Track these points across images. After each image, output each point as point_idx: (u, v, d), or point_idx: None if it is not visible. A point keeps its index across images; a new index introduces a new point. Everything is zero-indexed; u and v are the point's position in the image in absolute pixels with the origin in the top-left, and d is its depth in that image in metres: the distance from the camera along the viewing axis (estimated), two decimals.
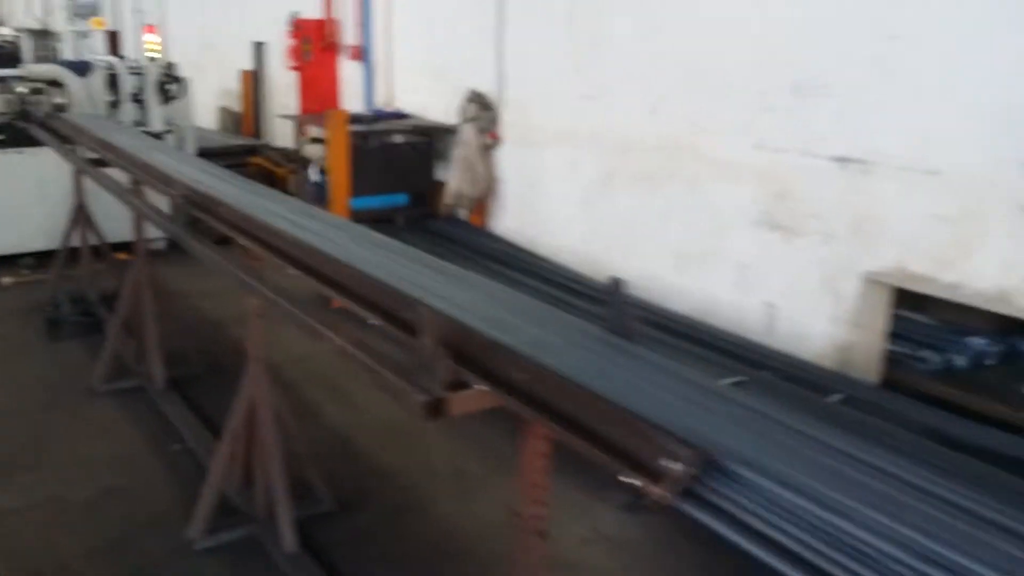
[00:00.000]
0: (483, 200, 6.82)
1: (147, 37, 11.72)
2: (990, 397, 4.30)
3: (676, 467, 1.41)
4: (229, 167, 4.39)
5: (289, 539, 3.46)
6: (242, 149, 10.29)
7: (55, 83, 7.05)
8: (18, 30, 12.80)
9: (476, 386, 1.77)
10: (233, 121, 12.16)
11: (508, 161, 6.68)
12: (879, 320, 4.48)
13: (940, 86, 3.96)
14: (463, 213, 6.94)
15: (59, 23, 11.82)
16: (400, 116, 7.58)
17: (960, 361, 4.63)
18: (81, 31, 10.57)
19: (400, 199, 7.15)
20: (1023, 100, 3.67)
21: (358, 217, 6.21)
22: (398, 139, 7.04)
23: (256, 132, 11.27)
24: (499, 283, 2.27)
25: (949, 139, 3.93)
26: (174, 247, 7.15)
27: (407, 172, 7.07)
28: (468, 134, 6.55)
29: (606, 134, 5.78)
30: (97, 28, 11.02)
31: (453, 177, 6.67)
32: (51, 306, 5.99)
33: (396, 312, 1.97)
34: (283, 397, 3.75)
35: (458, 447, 4.38)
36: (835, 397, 4.03)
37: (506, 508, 2.05)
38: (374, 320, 2.15)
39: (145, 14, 14.15)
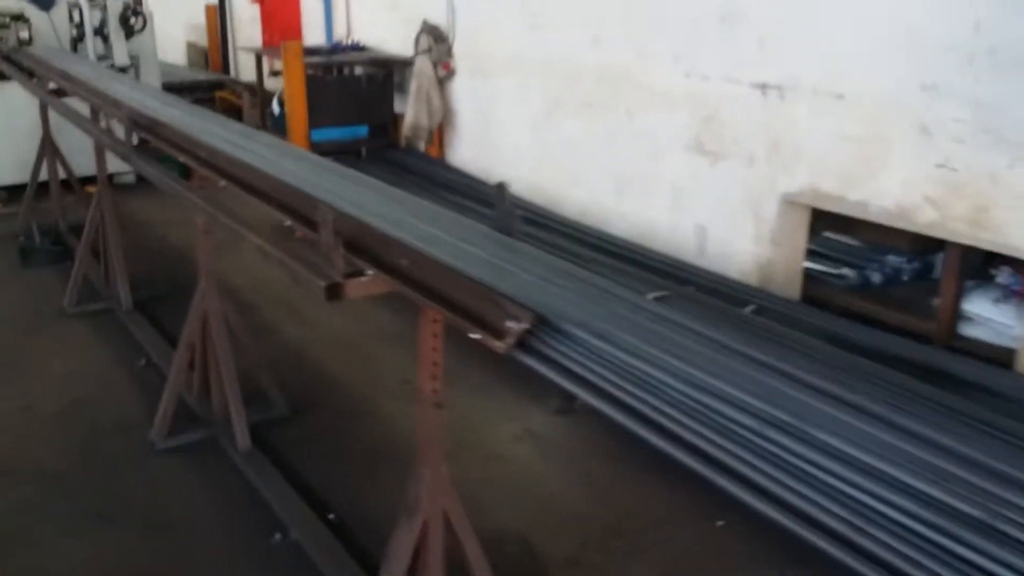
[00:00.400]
0: (440, 131, 7.05)
1: None
2: (901, 310, 4.65)
3: (515, 325, 1.71)
4: (196, 102, 4.60)
5: (243, 439, 3.79)
6: (208, 84, 10.43)
7: (20, 17, 7.17)
8: None
9: (369, 272, 2.07)
10: (200, 56, 12.23)
11: (462, 92, 6.90)
12: (798, 239, 4.79)
13: (850, 14, 4.20)
14: (421, 144, 7.17)
15: None
16: (358, 49, 7.75)
17: (876, 278, 4.96)
18: None
19: (360, 131, 7.37)
20: (923, 24, 3.93)
21: (318, 149, 6.46)
22: (357, 71, 7.21)
23: (223, 67, 11.36)
24: (405, 190, 2.56)
25: (857, 64, 4.19)
26: (142, 180, 7.39)
27: (366, 104, 7.27)
28: (423, 66, 6.74)
29: (553, 64, 6.01)
30: None
31: (410, 109, 6.88)
32: (23, 236, 6.24)
33: (305, 212, 2.26)
34: (242, 315, 4.05)
35: (404, 359, 4.69)
36: (748, 308, 4.36)
37: (403, 380, 2.35)
38: (300, 229, 2.43)
39: None
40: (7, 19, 7.10)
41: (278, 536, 3.26)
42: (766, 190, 4.71)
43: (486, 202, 6.30)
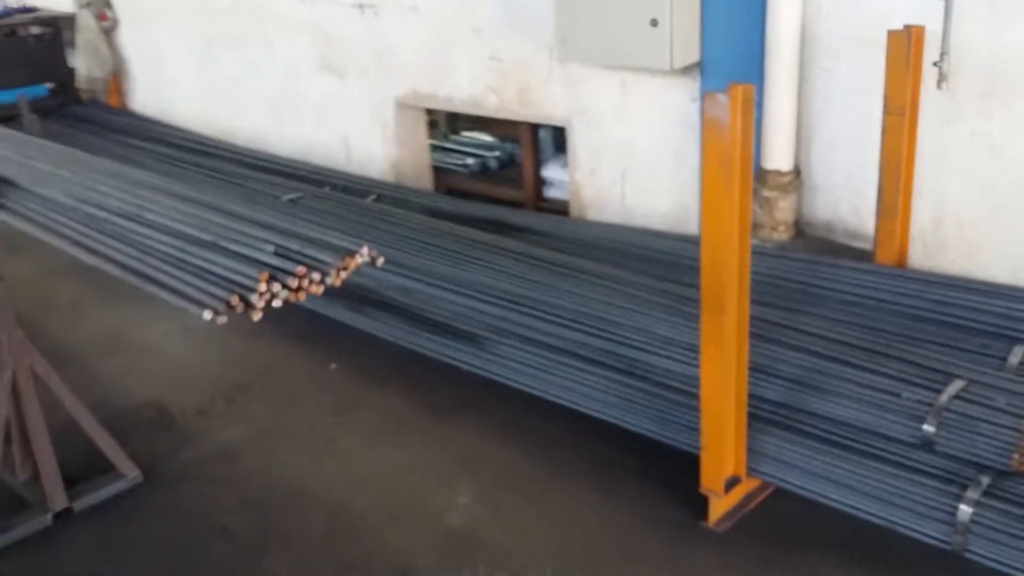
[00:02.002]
0: (117, 81, 7.33)
1: None
2: (507, 186, 5.60)
3: None
4: None
5: None
6: None
7: None
8: None
9: None
10: None
11: (128, 40, 7.22)
12: (419, 136, 5.62)
13: None
14: (101, 95, 7.41)
15: None
16: (29, 11, 7.80)
17: (493, 164, 5.90)
18: None
19: (40, 91, 7.48)
20: None
21: None
22: (21, 32, 7.32)
23: None
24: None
25: None
26: None
27: (40, 64, 7.39)
28: (85, 19, 6.98)
29: (198, 4, 6.46)
30: None
31: (80, 62, 7.11)
32: None
33: None
34: None
35: (78, 287, 5.14)
36: (370, 198, 5.12)
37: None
38: None
39: None
40: None
41: None
42: (383, 97, 5.47)
43: (163, 142, 6.73)
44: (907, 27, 3.14)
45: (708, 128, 2.51)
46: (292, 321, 4.45)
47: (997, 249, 3.31)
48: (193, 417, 3.83)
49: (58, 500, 3.20)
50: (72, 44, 7.45)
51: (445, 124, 6.35)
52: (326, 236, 2.61)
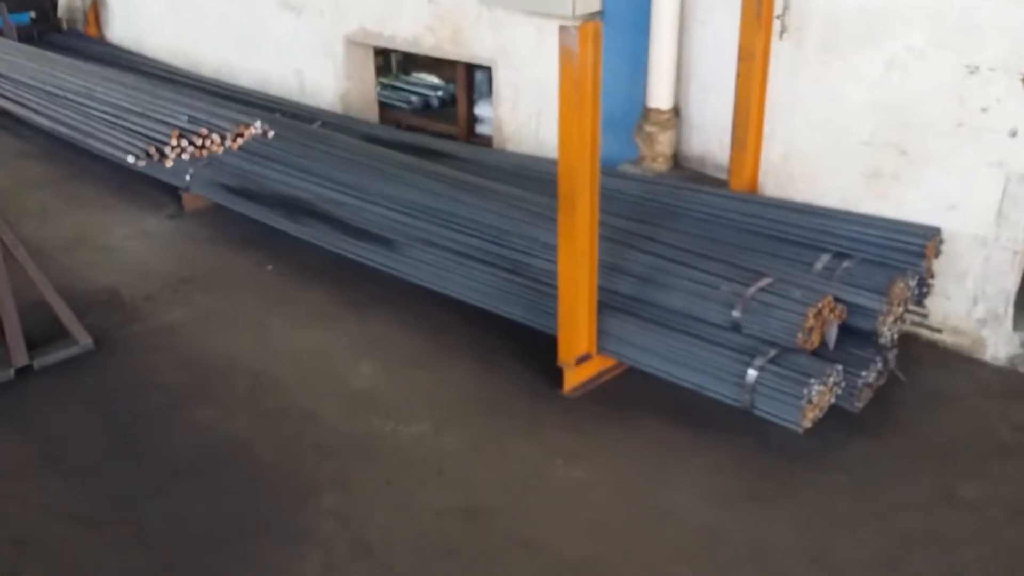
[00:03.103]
0: (95, 12, 7.78)
1: None
2: (445, 123, 6.14)
3: None
4: None
5: None
6: None
7: None
8: None
9: None
10: None
11: None
12: (367, 72, 6.14)
13: None
14: (79, 26, 7.86)
15: None
16: None
17: (435, 102, 6.44)
18: None
19: (22, 18, 7.91)
20: None
21: None
22: None
23: None
24: None
25: None
26: None
27: None
28: None
29: None
30: None
31: None
32: None
33: None
34: None
35: (48, 196, 5.67)
36: (315, 124, 5.65)
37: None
38: None
39: None
40: None
41: None
42: (334, 35, 5.98)
43: (135, 71, 7.20)
44: None
45: (563, 56, 3.06)
46: (237, 229, 5.05)
47: (831, 180, 3.89)
48: (142, 301, 4.39)
49: (19, 358, 3.76)
50: None
51: (397, 65, 6.88)
52: (229, 112, 3.13)
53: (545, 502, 3.01)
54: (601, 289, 3.51)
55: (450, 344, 3.92)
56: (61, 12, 7.64)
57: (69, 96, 3.04)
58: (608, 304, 3.55)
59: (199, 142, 2.61)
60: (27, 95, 3.29)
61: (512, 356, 3.78)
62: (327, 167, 4.89)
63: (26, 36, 7.59)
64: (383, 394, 3.61)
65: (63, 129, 2.86)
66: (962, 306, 3.71)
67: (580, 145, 3.16)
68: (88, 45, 7.72)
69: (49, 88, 3.15)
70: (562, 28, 3.05)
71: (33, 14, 7.95)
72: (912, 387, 3.53)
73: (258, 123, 2.79)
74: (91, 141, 2.71)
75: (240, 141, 2.70)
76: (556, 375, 3.56)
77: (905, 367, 3.55)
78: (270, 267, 4.71)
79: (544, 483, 3.10)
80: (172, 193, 5.46)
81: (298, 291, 4.48)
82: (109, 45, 7.77)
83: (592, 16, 4.44)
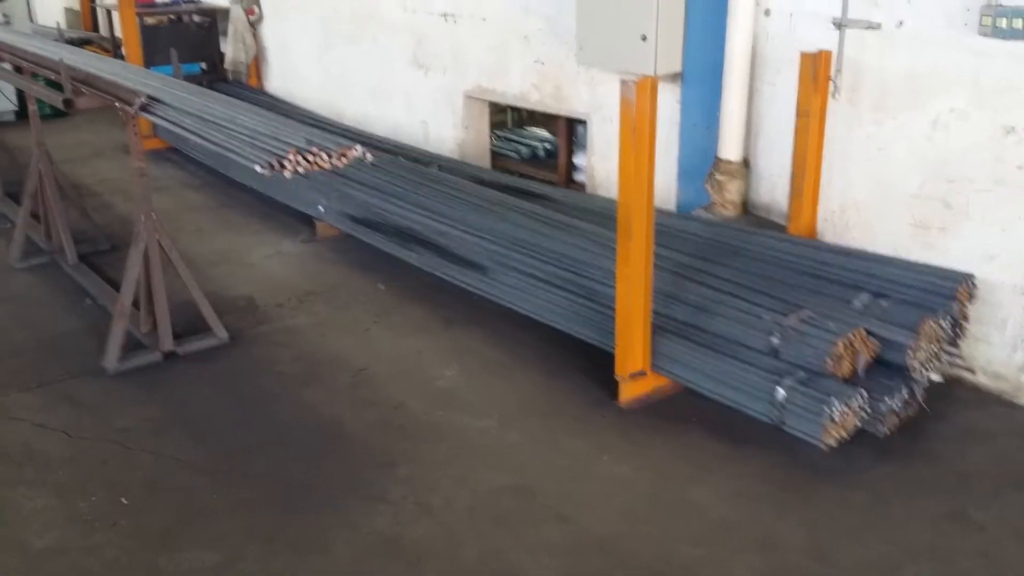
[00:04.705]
0: (256, 65, 8.87)
1: None
2: (547, 170, 6.74)
3: (138, 100, 3.65)
4: None
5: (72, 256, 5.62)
6: (79, 40, 11.92)
7: None
8: None
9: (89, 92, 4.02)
10: (76, 19, 13.70)
11: (269, 32, 8.76)
12: (482, 123, 6.83)
13: None
14: (243, 77, 8.97)
15: None
16: (191, 1, 9.49)
17: (541, 153, 7.07)
18: None
19: (194, 68, 9.11)
20: None
21: None
22: (185, 19, 8.97)
23: (93, 25, 12.89)
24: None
25: None
26: (20, 115, 9.07)
27: (196, 46, 9.01)
28: (236, 12, 8.55)
29: (323, 4, 7.90)
30: None
31: (229, 48, 8.69)
32: None
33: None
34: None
35: (204, 219, 6.59)
36: (432, 166, 6.35)
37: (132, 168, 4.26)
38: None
39: None
40: None
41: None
42: (455, 90, 6.71)
43: (287, 118, 8.17)
44: (818, 52, 4.13)
45: (623, 105, 3.58)
46: (358, 254, 5.77)
47: (882, 230, 4.22)
48: (272, 308, 5.13)
49: (167, 344, 4.53)
50: (223, 32, 9.05)
51: (513, 120, 7.57)
52: (335, 137, 3.75)
53: (586, 488, 3.46)
54: (659, 314, 3.97)
55: (524, 357, 4.44)
56: (228, 64, 8.76)
57: (217, 120, 3.73)
58: (664, 328, 4.00)
59: (311, 159, 3.24)
60: (185, 119, 4.03)
61: (578, 370, 4.26)
62: (437, 203, 5.55)
63: (196, 84, 8.74)
64: (461, 394, 4.16)
65: (208, 145, 3.56)
66: (1003, 352, 3.94)
67: (637, 182, 3.65)
68: (249, 94, 8.79)
69: (204, 116, 3.84)
70: (623, 82, 3.57)
71: (204, 65, 9.15)
72: (947, 423, 3.79)
73: (358, 147, 3.41)
74: (229, 154, 3.42)
75: (344, 161, 3.32)
76: (615, 389, 4.02)
77: (945, 408, 3.82)
78: (382, 286, 5.38)
79: (588, 474, 3.55)
80: (308, 221, 6.28)
81: (402, 307, 5.12)
82: (267, 95, 8.83)
83: (674, 76, 4.95)
